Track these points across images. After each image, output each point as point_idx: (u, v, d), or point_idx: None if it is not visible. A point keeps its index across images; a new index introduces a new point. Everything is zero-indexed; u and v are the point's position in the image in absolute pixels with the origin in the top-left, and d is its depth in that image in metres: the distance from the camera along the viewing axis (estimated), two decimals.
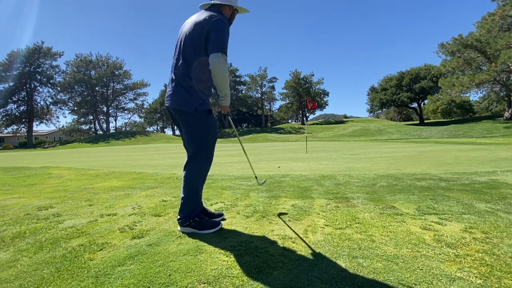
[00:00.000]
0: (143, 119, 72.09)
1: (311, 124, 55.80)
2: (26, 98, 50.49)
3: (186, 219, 2.02)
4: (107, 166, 7.46)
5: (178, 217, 2.07)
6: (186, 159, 2.10)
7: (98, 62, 59.41)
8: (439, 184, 3.56)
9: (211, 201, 2.97)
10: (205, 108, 1.99)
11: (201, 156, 2.04)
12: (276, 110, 75.31)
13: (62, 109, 57.56)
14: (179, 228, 2.07)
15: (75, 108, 58.39)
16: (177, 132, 65.01)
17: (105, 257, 1.65)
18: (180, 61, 1.96)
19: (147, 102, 66.77)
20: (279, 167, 8.06)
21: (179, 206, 2.13)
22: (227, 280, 1.37)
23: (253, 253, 1.67)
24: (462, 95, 34.61)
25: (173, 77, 2.00)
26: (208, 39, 1.85)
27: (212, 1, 2.04)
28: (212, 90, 2.12)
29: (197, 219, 2.02)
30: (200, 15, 1.96)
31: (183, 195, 2.06)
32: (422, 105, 50.62)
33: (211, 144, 2.07)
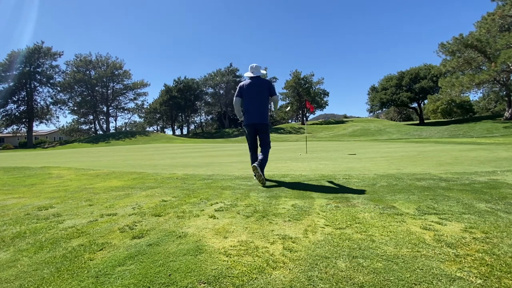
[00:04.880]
0: (143, 119, 72.01)
1: (311, 124, 55.78)
2: (26, 98, 50.48)
3: (262, 168, 3.86)
4: (107, 166, 7.46)
5: (260, 168, 3.76)
6: (259, 148, 4.20)
7: (98, 62, 59.28)
8: (439, 184, 3.56)
9: (211, 201, 2.96)
10: (269, 122, 4.21)
11: (270, 144, 4.24)
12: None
13: (62, 109, 57.58)
14: (259, 171, 3.72)
15: (75, 108, 58.34)
16: (178, 132, 66.89)
17: (105, 257, 1.65)
18: (261, 101, 4.06)
19: (147, 102, 66.55)
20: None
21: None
22: (227, 280, 1.37)
23: (253, 253, 1.67)
24: (462, 95, 34.59)
25: (259, 108, 4.05)
26: (270, 90, 4.11)
27: (261, 74, 4.16)
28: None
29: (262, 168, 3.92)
30: (261, 80, 4.12)
31: (262, 160, 3.89)
32: (422, 105, 50.61)
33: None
